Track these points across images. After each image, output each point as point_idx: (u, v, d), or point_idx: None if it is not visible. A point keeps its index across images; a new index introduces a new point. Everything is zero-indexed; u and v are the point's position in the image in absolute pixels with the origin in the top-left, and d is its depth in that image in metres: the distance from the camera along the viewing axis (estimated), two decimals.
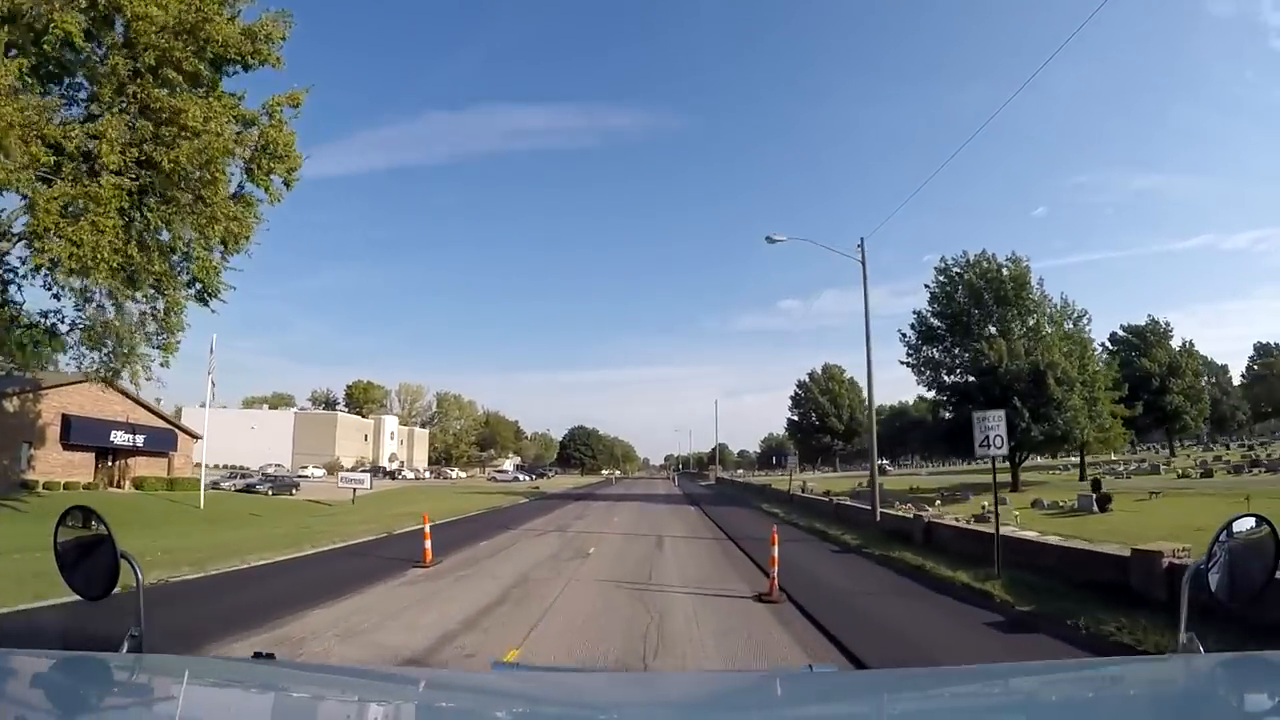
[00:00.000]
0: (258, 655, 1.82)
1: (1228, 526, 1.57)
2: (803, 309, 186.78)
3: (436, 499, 39.64)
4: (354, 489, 38.41)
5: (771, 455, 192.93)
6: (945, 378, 44.80)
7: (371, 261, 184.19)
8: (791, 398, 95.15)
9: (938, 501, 32.98)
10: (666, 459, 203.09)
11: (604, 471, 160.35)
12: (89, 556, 1.70)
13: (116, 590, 1.65)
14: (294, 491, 46.65)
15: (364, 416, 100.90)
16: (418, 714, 1.49)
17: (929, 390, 47.19)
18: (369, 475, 38.89)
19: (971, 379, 41.82)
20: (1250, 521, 1.57)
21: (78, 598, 1.71)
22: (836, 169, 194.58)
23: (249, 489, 44.93)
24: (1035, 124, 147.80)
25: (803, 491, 42.51)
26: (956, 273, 42.43)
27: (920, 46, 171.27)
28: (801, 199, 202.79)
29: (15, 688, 1.32)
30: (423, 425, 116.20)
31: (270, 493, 44.60)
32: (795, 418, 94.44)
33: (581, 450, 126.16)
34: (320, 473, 79.16)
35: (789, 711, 1.44)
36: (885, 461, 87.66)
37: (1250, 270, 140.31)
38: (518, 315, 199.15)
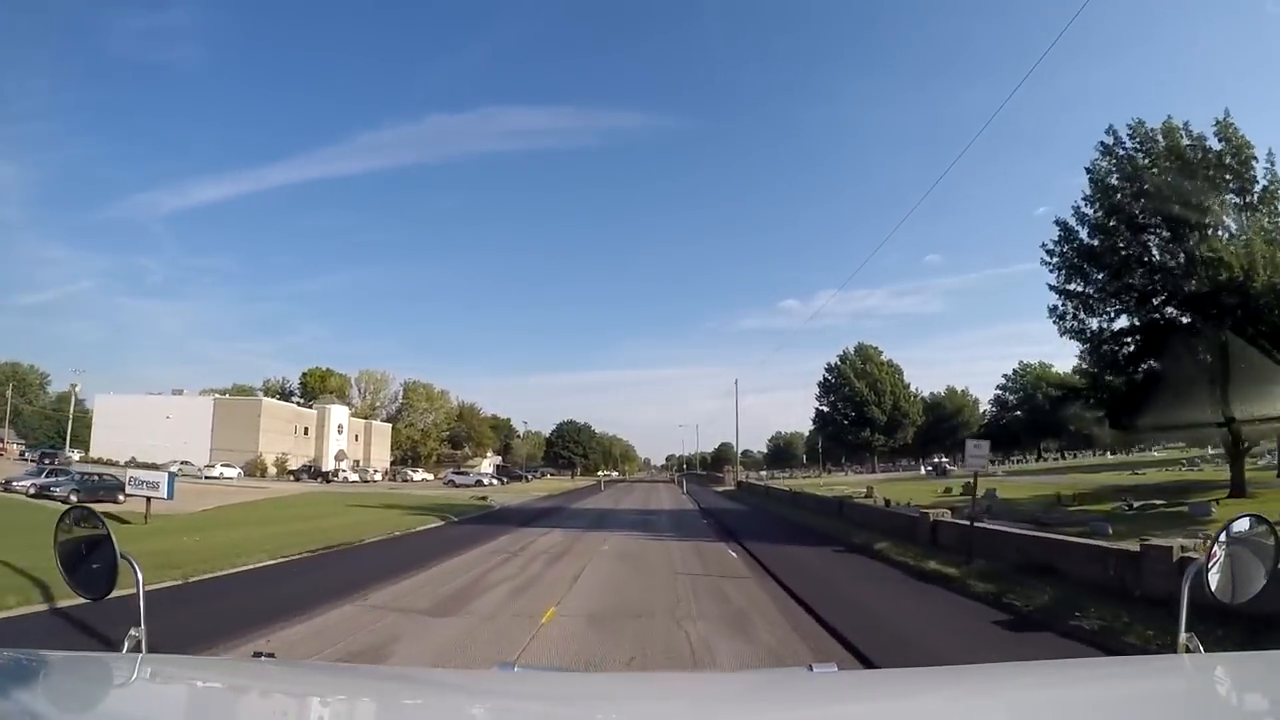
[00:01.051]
0: (258, 655, 1.84)
1: (1227, 526, 1.55)
2: (803, 309, 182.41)
3: (290, 520, 24.22)
4: (148, 498, 22.74)
5: (780, 455, 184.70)
6: (1103, 323, 28.51)
7: (373, 264, 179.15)
8: (820, 384, 79.19)
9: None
10: (668, 459, 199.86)
11: (600, 473, 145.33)
12: (89, 557, 1.69)
13: None
14: (121, 497, 31.16)
15: (308, 406, 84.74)
16: (419, 714, 1.46)
17: (1076, 341, 30.96)
18: (166, 478, 22.83)
19: (1169, 312, 25.84)
20: (1250, 521, 1.56)
21: None
22: (838, 169, 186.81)
23: (43, 492, 29.79)
24: (1038, 122, 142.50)
25: (871, 500, 27.42)
26: (1131, 149, 26.14)
27: (923, 48, 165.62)
28: (803, 199, 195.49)
29: (15, 688, 1.29)
30: (388, 419, 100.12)
31: (74, 498, 29.02)
32: (824, 408, 78.37)
33: (571, 449, 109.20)
34: (234, 472, 63.29)
35: (789, 711, 1.41)
36: (945, 459, 71.56)
37: None
38: (519, 317, 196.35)
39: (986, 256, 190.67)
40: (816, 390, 79.38)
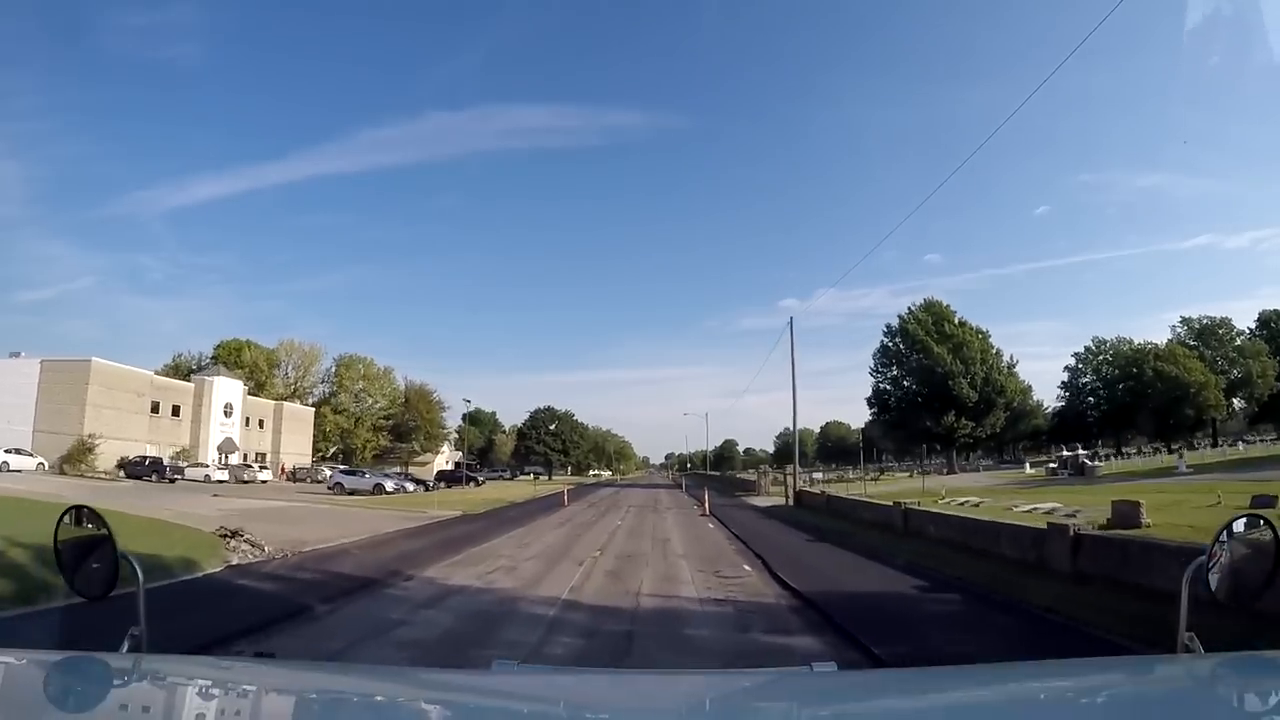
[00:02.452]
0: (258, 654, 1.83)
1: (1228, 526, 1.55)
2: (803, 308, 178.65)
3: None
4: None
5: (788, 453, 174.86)
6: None
7: (373, 262, 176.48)
8: (877, 356, 58.18)
9: None
10: (668, 457, 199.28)
11: (592, 472, 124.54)
12: (89, 556, 1.69)
13: None
14: None
15: (185, 378, 63.71)
16: (418, 714, 1.46)
17: None
18: None
19: None
20: (1251, 521, 1.57)
21: None
22: (839, 170, 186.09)
23: None
24: (1039, 123, 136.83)
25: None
26: None
27: (925, 50, 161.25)
28: (803, 198, 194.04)
29: (15, 688, 1.30)
30: (321, 403, 79.03)
31: None
32: (885, 386, 57.57)
33: (547, 442, 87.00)
34: (33, 462, 42.51)
35: (789, 711, 1.41)
36: (1084, 452, 50.27)
37: (1251, 270, 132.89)
38: (519, 316, 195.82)
39: (986, 256, 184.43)
40: (870, 365, 58.59)
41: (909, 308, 56.85)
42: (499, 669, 1.96)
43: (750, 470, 38.37)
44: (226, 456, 60.42)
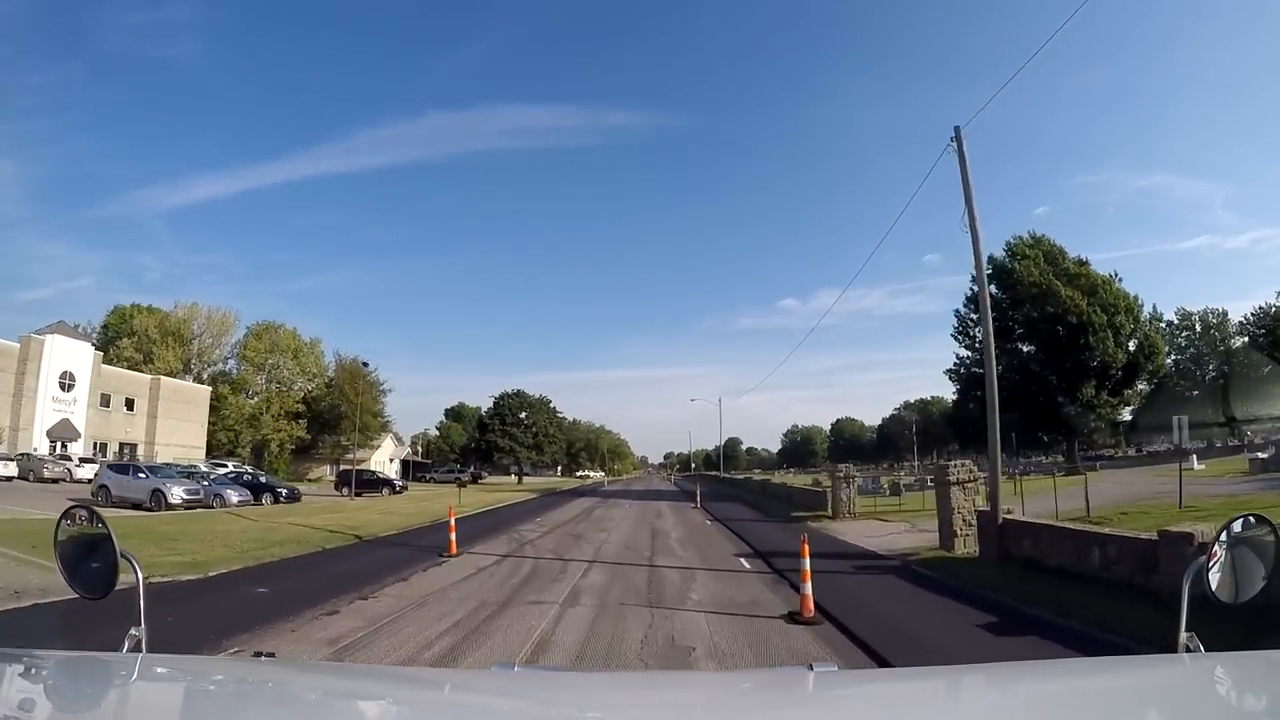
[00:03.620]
0: (258, 654, 1.82)
1: (1228, 526, 1.55)
2: (802, 308, 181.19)
3: None
4: None
5: (797, 452, 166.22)
6: None
7: (373, 261, 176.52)
8: (965, 309, 41.98)
9: None
10: (667, 457, 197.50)
11: (579, 473, 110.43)
12: (89, 556, 1.66)
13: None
14: None
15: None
16: (418, 714, 1.45)
17: None
18: None
19: None
20: (1251, 521, 1.55)
21: None
22: (836, 169, 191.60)
23: None
24: (1038, 124, 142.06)
25: None
26: None
27: (921, 47, 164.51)
28: (802, 200, 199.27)
29: (15, 688, 1.30)
30: (231, 384, 62.33)
31: None
32: (980, 344, 41.39)
33: (514, 435, 69.52)
34: None
35: (789, 711, 1.41)
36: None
37: (1251, 270, 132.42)
38: (518, 315, 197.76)
39: (986, 256, 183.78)
40: (953, 324, 42.10)
41: (1007, 242, 40.19)
42: (499, 669, 1.97)
43: (837, 474, 22.18)
44: (61, 445, 44.09)
